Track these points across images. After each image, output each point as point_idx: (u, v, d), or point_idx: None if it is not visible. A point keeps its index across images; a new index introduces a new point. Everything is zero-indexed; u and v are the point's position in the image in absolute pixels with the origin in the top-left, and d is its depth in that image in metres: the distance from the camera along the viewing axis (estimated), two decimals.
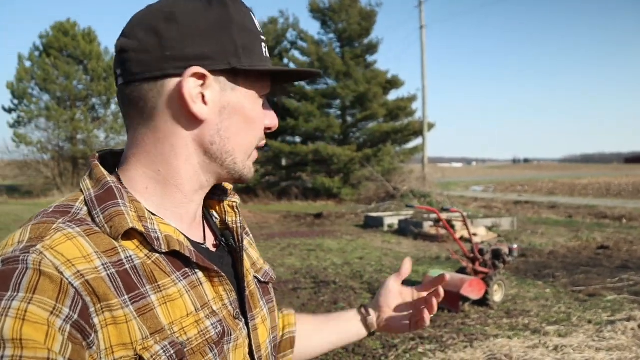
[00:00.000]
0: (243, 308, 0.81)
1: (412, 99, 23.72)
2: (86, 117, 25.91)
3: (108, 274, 0.64)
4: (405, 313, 1.10)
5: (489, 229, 12.29)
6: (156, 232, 0.71)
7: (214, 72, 0.73)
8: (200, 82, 0.72)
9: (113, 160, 0.80)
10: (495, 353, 4.07)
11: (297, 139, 24.33)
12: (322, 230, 13.21)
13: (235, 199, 0.91)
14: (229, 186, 0.93)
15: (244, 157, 0.79)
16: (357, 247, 10.26)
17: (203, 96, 0.72)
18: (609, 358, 3.98)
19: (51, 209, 0.69)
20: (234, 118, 0.76)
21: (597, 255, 9.18)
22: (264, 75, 0.78)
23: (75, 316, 0.59)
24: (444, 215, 12.29)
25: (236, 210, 0.90)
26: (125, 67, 0.72)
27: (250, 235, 0.99)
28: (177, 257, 0.72)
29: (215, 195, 0.89)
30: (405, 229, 12.15)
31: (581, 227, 13.23)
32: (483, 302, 5.61)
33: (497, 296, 5.74)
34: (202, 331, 0.71)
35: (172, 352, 0.65)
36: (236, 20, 0.74)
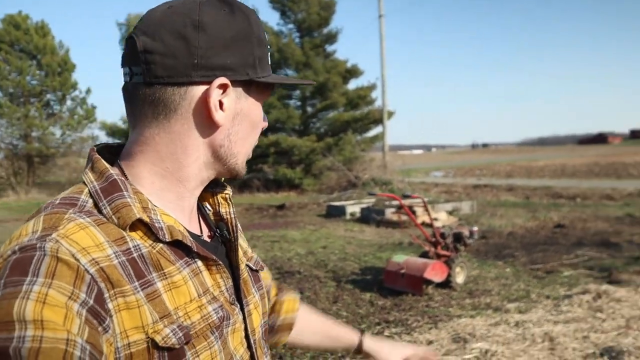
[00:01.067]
0: (238, 295, 0.85)
1: (371, 87, 23.82)
2: (41, 114, 25.01)
3: (119, 262, 0.68)
4: None
5: (450, 213, 12.49)
6: (160, 223, 0.74)
7: (234, 82, 0.77)
8: (221, 91, 0.76)
9: (109, 154, 0.82)
10: (459, 332, 4.14)
11: None
12: (285, 221, 13.18)
13: (228, 190, 0.94)
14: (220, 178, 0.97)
15: (244, 158, 0.85)
16: (321, 236, 10.27)
17: (221, 103, 0.77)
18: (566, 330, 4.11)
19: (58, 201, 0.72)
20: (243, 123, 0.81)
21: (554, 234, 9.47)
22: (269, 84, 0.83)
23: (91, 301, 0.62)
24: (406, 202, 12.44)
25: (229, 201, 0.93)
26: (149, 68, 0.73)
27: (239, 226, 1.03)
28: (178, 247, 0.76)
29: (208, 187, 0.91)
30: (367, 217, 12.23)
31: (538, 207, 13.62)
32: (446, 284, 5.70)
33: (460, 278, 5.84)
34: (204, 316, 0.75)
35: (180, 334, 0.70)
36: (256, 32, 0.78)
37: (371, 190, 15.96)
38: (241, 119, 0.80)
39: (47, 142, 25.33)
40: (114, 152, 0.83)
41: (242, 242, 0.98)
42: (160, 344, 0.68)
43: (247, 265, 0.93)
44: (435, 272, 5.50)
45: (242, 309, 0.85)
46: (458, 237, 6.14)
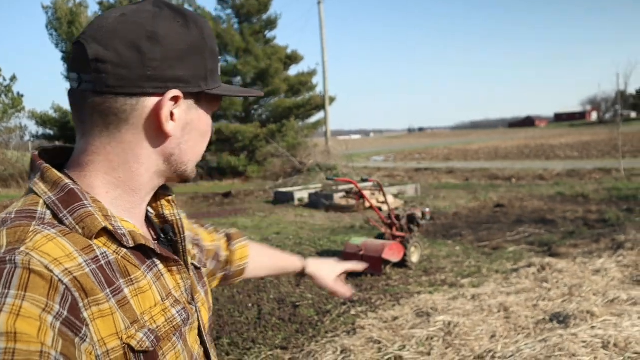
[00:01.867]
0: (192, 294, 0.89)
1: (312, 73, 23.97)
2: None
3: (90, 270, 0.69)
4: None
5: (395, 196, 12.87)
6: (122, 229, 0.76)
7: (186, 94, 0.78)
8: (174, 102, 0.77)
9: (49, 157, 0.81)
10: (421, 307, 4.40)
11: None
12: (233, 209, 13.18)
13: (171, 192, 0.95)
14: None
15: (194, 165, 0.87)
16: (272, 222, 10.38)
17: (173, 114, 0.78)
18: (518, 300, 4.46)
19: (14, 215, 0.71)
20: (193, 133, 0.82)
21: (495, 213, 10.00)
22: (219, 95, 0.84)
23: (65, 312, 0.63)
24: (353, 187, 12.75)
25: (172, 203, 0.94)
26: (100, 77, 0.73)
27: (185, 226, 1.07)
28: (140, 252, 0.78)
29: None
30: (316, 202, 12.42)
31: (477, 188, 14.27)
32: (402, 263, 5.98)
33: (415, 257, 6.13)
34: (169, 319, 0.78)
35: (152, 337, 0.73)
36: (209, 45, 0.80)
37: (328, 175, 16.12)
38: (191, 129, 0.82)
39: None
40: (52, 155, 0.82)
41: (188, 242, 1.01)
42: (136, 348, 0.70)
43: (192, 263, 0.95)
44: (392, 252, 5.75)
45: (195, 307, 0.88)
46: (412, 219, 6.43)
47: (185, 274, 0.86)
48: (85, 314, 0.65)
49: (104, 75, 0.73)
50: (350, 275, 5.76)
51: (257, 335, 4.28)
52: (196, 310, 0.87)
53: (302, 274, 1.43)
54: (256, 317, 4.70)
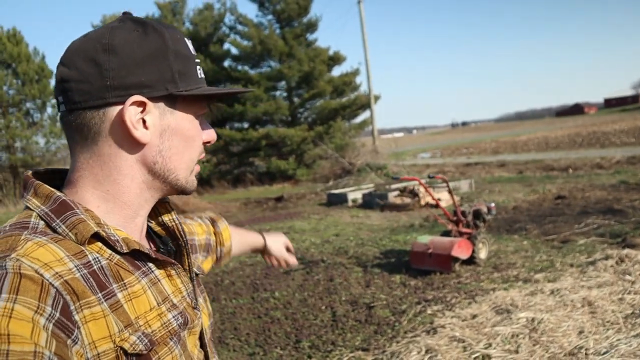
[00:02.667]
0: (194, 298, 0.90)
1: (355, 73, 23.95)
2: (22, 123, 24.70)
3: (81, 275, 0.70)
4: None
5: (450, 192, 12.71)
6: (115, 236, 0.77)
7: (153, 99, 0.78)
8: (140, 109, 0.77)
9: (44, 180, 0.82)
10: (499, 304, 4.33)
11: (246, 125, 24.13)
12: (288, 212, 13.30)
13: (167, 199, 0.95)
14: None
15: (186, 173, 0.85)
16: (329, 224, 10.41)
17: (144, 121, 0.78)
18: (602, 293, 4.33)
19: (7, 227, 0.73)
20: (174, 139, 0.81)
21: (557, 205, 9.74)
22: (200, 97, 0.84)
23: (57, 314, 0.64)
24: (404, 184, 12.68)
25: (169, 207, 0.96)
26: (67, 96, 0.76)
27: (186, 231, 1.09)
28: (134, 258, 0.79)
29: None
30: (370, 202, 12.40)
31: (533, 181, 13.93)
32: (470, 260, 5.90)
33: (482, 253, 6.04)
34: (164, 323, 0.78)
35: (146, 340, 0.73)
36: (171, 48, 0.79)
37: (393, 175, 16.15)
38: (170, 135, 0.81)
39: (31, 151, 25.02)
40: (46, 178, 0.83)
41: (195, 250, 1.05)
42: (129, 351, 0.71)
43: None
44: (461, 249, 5.69)
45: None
46: (477, 214, 6.34)
47: (185, 277, 0.87)
48: (76, 317, 0.66)
49: (69, 93, 0.76)
50: (419, 274, 5.74)
51: (335, 337, 4.31)
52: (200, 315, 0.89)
53: (264, 248, 1.53)
54: (331, 319, 4.74)
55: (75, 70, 0.76)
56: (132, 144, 0.79)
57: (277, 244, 1.57)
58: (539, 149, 28.02)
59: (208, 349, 0.92)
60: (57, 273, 0.67)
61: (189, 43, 0.84)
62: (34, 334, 0.60)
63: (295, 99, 23.93)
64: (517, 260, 5.99)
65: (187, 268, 0.91)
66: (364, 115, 24.50)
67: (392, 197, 11.96)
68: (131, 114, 0.76)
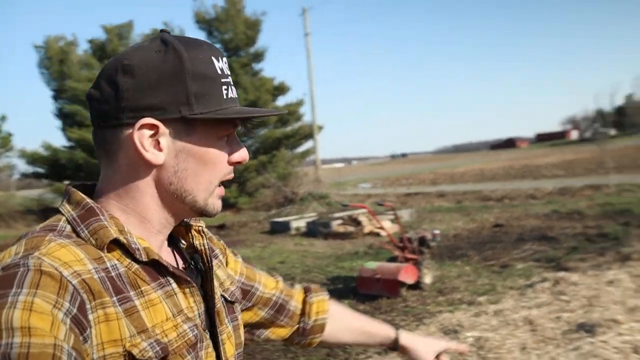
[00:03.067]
0: (212, 323, 0.88)
1: (300, 103, 24.25)
2: None
3: (99, 277, 0.71)
4: None
5: (392, 221, 12.99)
6: (136, 244, 0.78)
7: (167, 121, 0.78)
8: (153, 131, 0.78)
9: (84, 192, 0.84)
10: (446, 325, 4.46)
11: None
12: (231, 240, 13.14)
13: (201, 223, 0.96)
14: None
15: (205, 195, 0.84)
16: (273, 252, 10.38)
17: (159, 142, 0.79)
18: (541, 313, 4.55)
19: (38, 229, 0.76)
20: (190, 160, 0.81)
21: (495, 233, 10.13)
22: (223, 119, 0.81)
23: (75, 310, 0.66)
24: (348, 212, 12.85)
25: (202, 233, 0.95)
26: (92, 114, 0.80)
27: (221, 257, 1.05)
28: (153, 269, 0.80)
29: (181, 222, 0.94)
30: (313, 230, 12.44)
31: (471, 210, 14.44)
32: (416, 285, 6.04)
33: (428, 278, 6.21)
34: (180, 334, 0.78)
35: (157, 348, 0.73)
36: (189, 69, 0.77)
37: (343, 202, 16.30)
38: (187, 156, 0.80)
39: None
40: (88, 191, 0.85)
41: (221, 273, 1.00)
42: (137, 357, 0.71)
43: (222, 295, 0.94)
44: (408, 274, 5.82)
45: (214, 338, 0.87)
46: (422, 241, 6.53)
47: (199, 297, 0.85)
48: (91, 317, 0.68)
49: (94, 112, 0.80)
50: (366, 299, 5.81)
51: None
52: (217, 341, 0.87)
53: (394, 345, 1.27)
54: (282, 344, 4.71)
55: (98, 90, 0.79)
56: (146, 165, 0.80)
57: (423, 347, 1.27)
58: (476, 180, 29.09)
59: None
60: (75, 272, 0.69)
61: (219, 63, 0.82)
62: (53, 327, 0.61)
63: (240, 128, 23.87)
64: (460, 285, 6.18)
65: (210, 293, 0.89)
66: (306, 145, 24.76)
67: (336, 226, 12.08)
68: (141, 136, 0.77)
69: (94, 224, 0.76)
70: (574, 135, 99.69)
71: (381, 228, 6.69)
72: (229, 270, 1.06)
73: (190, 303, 0.83)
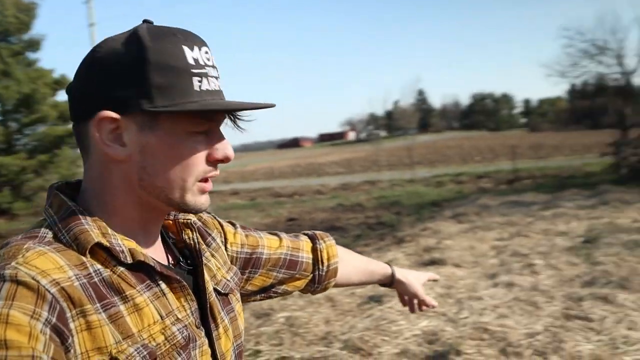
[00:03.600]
0: (205, 319, 0.85)
1: None
2: None
3: (80, 284, 0.68)
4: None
5: None
6: (120, 246, 0.74)
7: (129, 115, 0.74)
8: (113, 125, 0.74)
9: (70, 190, 0.82)
10: (258, 310, 4.87)
11: None
12: None
13: (189, 216, 0.93)
14: None
15: (180, 192, 0.78)
16: None
17: (122, 137, 0.75)
18: (338, 290, 5.22)
19: (20, 237, 0.73)
20: (157, 156, 0.76)
21: (290, 226, 10.94)
22: (193, 112, 0.76)
23: (54, 320, 0.63)
24: None
25: (192, 226, 0.92)
26: (69, 108, 0.79)
27: (218, 239, 1.00)
28: (140, 271, 0.76)
29: (169, 215, 0.92)
30: None
31: (266, 206, 15.23)
32: None
33: None
34: (169, 337, 0.75)
35: (144, 353, 0.70)
36: (153, 61, 0.73)
37: None
38: (153, 152, 0.76)
39: None
40: (75, 189, 0.82)
41: (216, 262, 0.96)
42: None
43: (214, 288, 0.90)
44: None
45: (209, 333, 0.85)
46: None
47: (190, 296, 0.82)
48: (72, 325, 0.65)
49: (69, 106, 0.79)
50: None
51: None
52: (207, 336, 0.84)
53: (391, 280, 1.35)
54: None
55: (74, 82, 0.78)
56: (112, 160, 0.76)
57: (414, 279, 1.37)
58: (267, 177, 30.42)
59: None
60: (54, 279, 0.66)
61: (194, 52, 0.77)
62: (31, 339, 0.59)
63: (12, 124, 21.41)
64: None
65: (203, 288, 0.86)
66: None
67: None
68: (100, 129, 0.74)
69: (74, 229, 0.73)
70: (352, 136, 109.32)
71: None
72: (231, 247, 1.03)
73: (181, 302, 0.80)
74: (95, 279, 0.70)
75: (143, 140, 0.75)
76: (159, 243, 0.86)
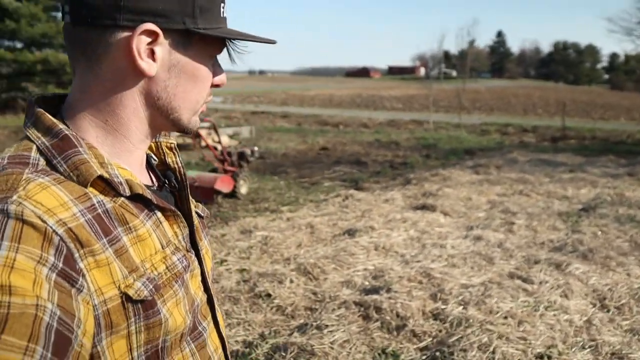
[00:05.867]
0: (193, 241, 0.85)
1: None
2: None
3: (86, 220, 0.66)
4: None
5: (231, 137, 13.60)
6: (118, 177, 0.72)
7: (167, 31, 0.71)
8: (151, 38, 0.70)
9: (45, 105, 0.76)
10: (245, 227, 5.30)
11: (19, 45, 21.78)
12: None
13: (172, 140, 0.91)
14: None
15: (189, 114, 0.79)
16: None
17: (153, 52, 0.71)
18: (323, 220, 5.59)
19: (6, 161, 0.67)
20: (182, 76, 0.75)
21: (319, 155, 11.28)
22: (219, 38, 0.77)
23: (60, 264, 0.61)
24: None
25: (175, 151, 0.91)
26: (75, 7, 0.70)
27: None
28: (137, 200, 0.74)
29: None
30: None
31: (308, 133, 15.57)
32: (232, 194, 6.82)
33: (243, 189, 7.01)
34: (169, 266, 0.75)
35: (150, 286, 0.70)
36: None
37: None
38: (179, 71, 0.74)
39: None
40: (50, 104, 0.76)
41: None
42: (134, 297, 0.68)
43: (195, 212, 0.92)
44: (223, 183, 6.55)
45: (197, 255, 0.85)
46: (242, 156, 7.28)
47: (183, 223, 0.81)
48: (81, 265, 0.63)
49: (76, 5, 0.69)
50: None
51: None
52: (200, 258, 0.86)
53: None
54: None
55: None
56: (137, 75, 0.72)
57: None
58: (323, 105, 30.57)
59: (211, 291, 0.89)
60: (61, 220, 0.63)
61: None
62: (35, 286, 0.57)
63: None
64: (271, 196, 7.09)
65: (187, 212, 0.86)
66: None
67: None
68: (139, 42, 0.69)
69: (72, 157, 0.69)
70: (422, 72, 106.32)
71: (219, 142, 7.32)
72: None
73: (174, 229, 0.80)
74: (99, 210, 0.68)
75: (174, 58, 0.74)
76: (144, 164, 0.83)
